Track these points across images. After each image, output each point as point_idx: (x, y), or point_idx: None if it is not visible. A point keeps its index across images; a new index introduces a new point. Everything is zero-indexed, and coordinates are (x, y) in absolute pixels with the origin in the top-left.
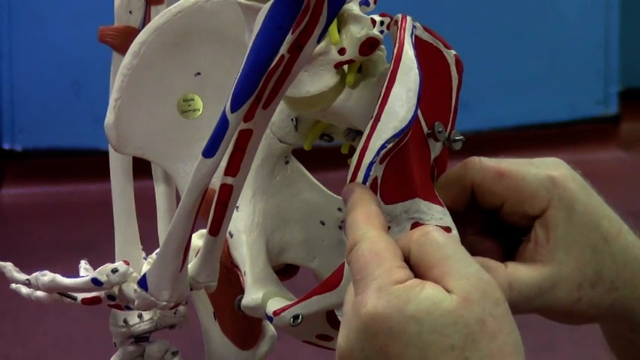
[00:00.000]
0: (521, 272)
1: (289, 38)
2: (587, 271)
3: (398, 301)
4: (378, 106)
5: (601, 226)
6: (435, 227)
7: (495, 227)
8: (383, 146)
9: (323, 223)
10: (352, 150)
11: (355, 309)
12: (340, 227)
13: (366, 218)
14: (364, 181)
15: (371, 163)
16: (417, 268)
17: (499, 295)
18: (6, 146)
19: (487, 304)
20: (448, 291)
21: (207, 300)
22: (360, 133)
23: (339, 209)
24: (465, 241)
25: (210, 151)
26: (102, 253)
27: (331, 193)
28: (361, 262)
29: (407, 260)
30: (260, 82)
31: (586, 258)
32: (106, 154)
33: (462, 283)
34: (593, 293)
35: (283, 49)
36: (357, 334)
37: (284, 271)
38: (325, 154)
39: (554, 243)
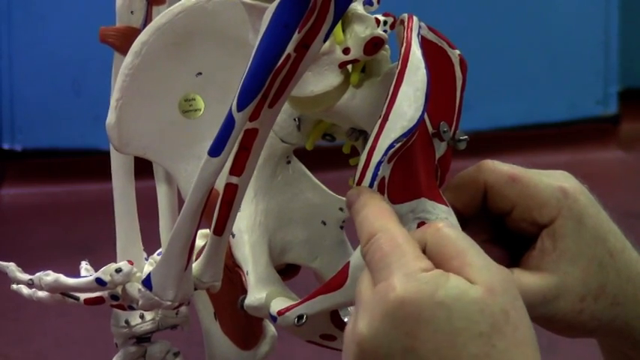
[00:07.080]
0: (527, 279)
1: (296, 37)
2: (592, 283)
3: (427, 287)
4: (385, 106)
5: (608, 241)
6: (446, 222)
7: (501, 236)
8: (391, 146)
9: (324, 223)
10: (354, 150)
11: (380, 295)
12: (342, 227)
13: (381, 213)
14: (372, 180)
15: (379, 163)
16: (434, 261)
17: (516, 290)
18: (6, 146)
19: (509, 297)
20: (470, 282)
21: (207, 300)
22: (363, 133)
23: (341, 209)
24: None
25: (216, 150)
26: (102, 253)
27: (333, 193)
28: (384, 250)
29: (423, 253)
30: (267, 80)
31: (591, 271)
32: (106, 153)
33: (484, 274)
34: (596, 306)
35: (290, 48)
36: (383, 320)
37: (285, 271)
38: (327, 154)
39: (560, 253)
